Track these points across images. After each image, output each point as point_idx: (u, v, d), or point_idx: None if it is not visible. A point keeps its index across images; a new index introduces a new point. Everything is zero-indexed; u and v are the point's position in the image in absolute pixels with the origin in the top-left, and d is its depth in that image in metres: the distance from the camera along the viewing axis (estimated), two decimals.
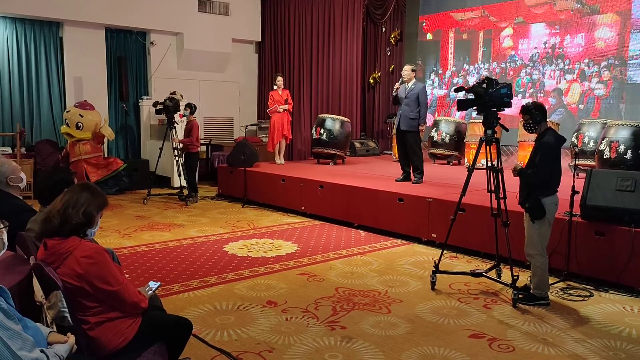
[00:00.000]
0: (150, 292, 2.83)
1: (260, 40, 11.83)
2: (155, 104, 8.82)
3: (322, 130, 9.44)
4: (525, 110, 4.29)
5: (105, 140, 9.41)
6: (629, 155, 6.21)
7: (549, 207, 4.18)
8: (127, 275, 4.82)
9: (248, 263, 5.43)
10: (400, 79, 7.33)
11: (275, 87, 9.44)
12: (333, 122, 9.49)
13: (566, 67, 9.03)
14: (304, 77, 11.20)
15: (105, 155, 9.68)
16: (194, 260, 5.53)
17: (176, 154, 8.65)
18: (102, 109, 9.61)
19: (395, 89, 7.31)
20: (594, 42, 8.70)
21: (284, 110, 9.34)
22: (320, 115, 9.93)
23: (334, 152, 9.49)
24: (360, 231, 6.81)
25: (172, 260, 5.52)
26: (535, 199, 4.13)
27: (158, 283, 2.93)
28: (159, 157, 8.71)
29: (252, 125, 11.67)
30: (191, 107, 8.63)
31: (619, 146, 6.31)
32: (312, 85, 11.21)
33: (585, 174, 4.94)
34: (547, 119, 8.31)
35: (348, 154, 10.31)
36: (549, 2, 9.20)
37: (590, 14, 8.74)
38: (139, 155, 10.62)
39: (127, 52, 10.41)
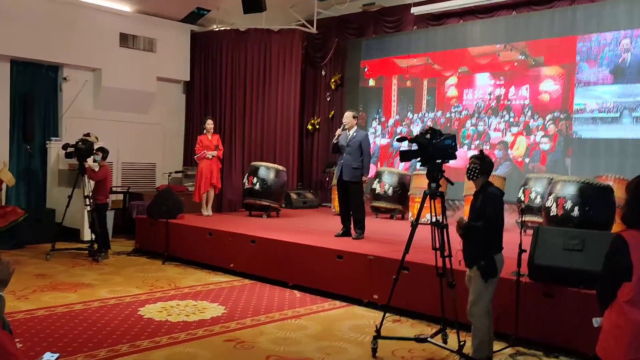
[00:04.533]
0: None
1: (188, 79, 11.85)
2: (65, 147, 8.58)
3: (255, 180, 9.43)
4: (478, 155, 4.47)
5: (4, 186, 8.98)
6: (575, 212, 6.54)
7: (499, 264, 4.32)
8: (20, 345, 4.51)
9: (167, 328, 5.24)
10: (342, 126, 7.48)
11: (204, 131, 9.42)
12: (267, 171, 9.52)
13: (511, 120, 9.56)
14: (236, 121, 11.24)
15: (3, 204, 9.21)
16: (103, 325, 5.28)
17: (87, 202, 8.37)
18: (1, 151, 9.21)
19: (336, 136, 7.45)
20: (538, 94, 9.30)
21: (213, 156, 9.32)
22: (253, 163, 9.94)
23: (268, 204, 9.47)
24: (296, 291, 6.75)
25: (77, 325, 5.24)
26: (489, 257, 4.24)
27: (56, 355, 2.76)
28: (67, 206, 8.39)
29: (177, 172, 11.49)
30: (103, 152, 8.53)
31: (565, 203, 6.65)
32: (245, 130, 11.25)
33: (532, 231, 5.14)
34: (493, 173, 8.71)
35: (283, 205, 10.31)
36: (493, 52, 9.81)
37: (534, 66, 9.37)
38: (44, 204, 10.18)
39: (35, 88, 10.13)
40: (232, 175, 11.04)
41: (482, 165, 4.42)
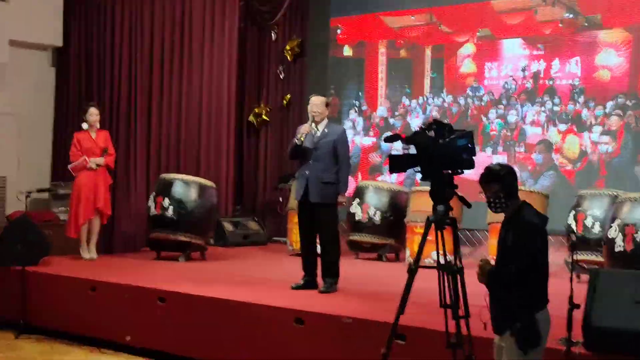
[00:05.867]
0: None
1: (61, 45, 11.72)
2: None
3: (166, 202, 9.36)
4: (492, 176, 4.41)
5: None
6: None
7: (543, 327, 4.35)
8: None
9: None
10: (311, 118, 7.46)
11: (84, 126, 9.33)
12: (186, 188, 9.47)
13: (556, 108, 9.78)
14: (137, 110, 11.08)
15: None
16: None
17: None
18: None
19: (300, 134, 7.41)
20: (594, 71, 9.53)
21: (99, 165, 9.25)
22: (163, 176, 9.89)
23: (187, 240, 9.40)
24: None
25: None
26: (529, 316, 4.26)
27: None
28: None
29: (40, 191, 11.29)
30: None
31: (636, 233, 6.79)
32: (150, 124, 11.12)
33: (588, 277, 5.24)
34: (531, 188, 8.82)
35: (212, 242, 10.26)
36: (528, 7, 10.04)
37: (588, 29, 9.62)
38: None
39: None
40: (130, 195, 10.88)
41: (505, 186, 4.38)
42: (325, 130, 7.42)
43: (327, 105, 7.53)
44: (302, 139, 7.34)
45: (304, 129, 7.43)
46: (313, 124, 7.40)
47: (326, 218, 7.39)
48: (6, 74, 11.25)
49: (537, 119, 9.92)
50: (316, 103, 7.47)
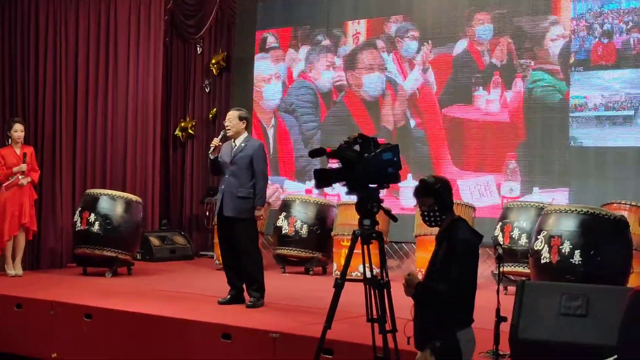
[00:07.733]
0: None
1: None
2: None
3: (92, 217, 9.28)
4: (427, 189, 4.37)
5: None
6: (576, 258, 6.74)
7: (465, 347, 4.27)
8: None
9: None
10: (222, 132, 7.48)
11: (8, 142, 9.27)
12: (112, 203, 9.41)
13: None
14: (62, 125, 10.93)
15: None
16: None
17: None
18: None
19: (212, 149, 7.44)
20: None
21: (24, 182, 9.11)
22: (89, 191, 9.81)
23: (114, 255, 9.31)
24: None
25: None
26: (450, 335, 4.19)
27: None
28: None
29: None
30: None
31: (562, 244, 6.84)
32: (76, 139, 10.99)
33: (515, 289, 5.23)
34: (457, 201, 8.87)
35: (138, 257, 10.20)
36: None
37: None
38: None
39: None
40: (56, 210, 10.71)
41: (440, 200, 4.32)
42: (243, 144, 7.44)
43: (241, 119, 7.51)
44: (210, 152, 7.47)
45: (214, 142, 7.54)
46: (229, 138, 7.49)
47: (242, 233, 7.39)
48: None
49: None
50: (229, 117, 7.56)
